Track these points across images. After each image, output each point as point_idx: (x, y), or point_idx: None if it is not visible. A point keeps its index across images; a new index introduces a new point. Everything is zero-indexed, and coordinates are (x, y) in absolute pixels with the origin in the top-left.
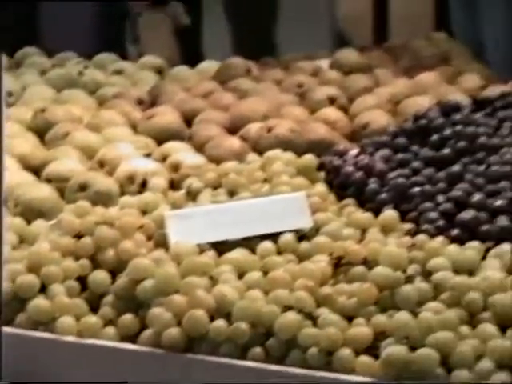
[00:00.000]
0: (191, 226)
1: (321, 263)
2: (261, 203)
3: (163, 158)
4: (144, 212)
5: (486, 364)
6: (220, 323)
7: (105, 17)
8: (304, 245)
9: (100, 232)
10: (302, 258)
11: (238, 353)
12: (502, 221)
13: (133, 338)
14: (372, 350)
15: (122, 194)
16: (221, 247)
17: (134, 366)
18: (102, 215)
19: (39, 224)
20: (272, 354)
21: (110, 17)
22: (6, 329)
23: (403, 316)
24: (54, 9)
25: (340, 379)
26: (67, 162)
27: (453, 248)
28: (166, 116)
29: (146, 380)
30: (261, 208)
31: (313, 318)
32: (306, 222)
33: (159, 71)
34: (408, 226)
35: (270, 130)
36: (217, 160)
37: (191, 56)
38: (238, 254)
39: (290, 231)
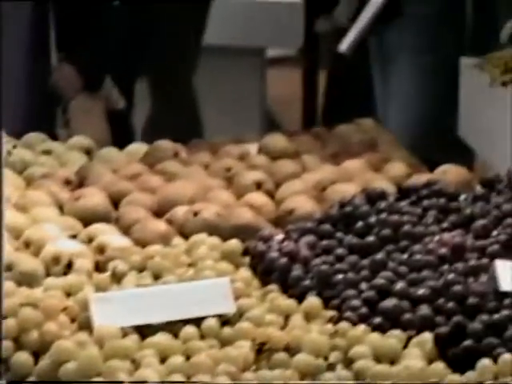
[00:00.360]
0: (115, 309)
1: (243, 349)
2: (185, 288)
3: (89, 240)
4: (68, 294)
5: None
6: None
7: (36, 99)
8: (227, 330)
9: (24, 313)
10: (224, 343)
11: None
12: (424, 310)
13: None
14: None
15: (48, 274)
16: (144, 331)
17: None
18: (26, 296)
19: None
20: None
21: (42, 99)
22: None
23: None
24: None
25: None
26: None
27: (375, 336)
28: (93, 198)
29: None
30: (185, 292)
31: None
32: (229, 308)
33: (88, 152)
34: (331, 313)
35: (196, 213)
36: (143, 243)
37: (121, 138)
38: (161, 337)
39: (214, 316)
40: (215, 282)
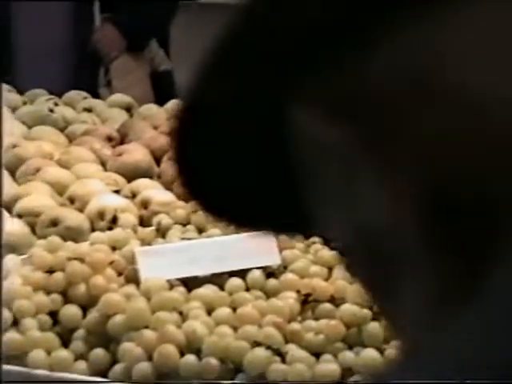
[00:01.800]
0: (161, 262)
1: (289, 300)
2: (230, 240)
3: (133, 195)
4: (114, 248)
5: None
6: (190, 358)
7: (79, 58)
8: (272, 282)
9: (72, 267)
10: (269, 294)
11: None
12: None
13: (104, 373)
14: None
15: (93, 229)
16: (190, 283)
17: None
18: (73, 251)
19: (11, 258)
20: None
21: (85, 59)
22: None
23: (370, 353)
24: (26, 46)
25: None
26: (38, 198)
27: None
28: (136, 153)
29: None
30: (230, 245)
31: (281, 354)
32: (273, 260)
33: (128, 109)
34: None
35: None
36: (184, 197)
37: (164, 99)
38: (207, 290)
39: (258, 268)
40: (260, 234)
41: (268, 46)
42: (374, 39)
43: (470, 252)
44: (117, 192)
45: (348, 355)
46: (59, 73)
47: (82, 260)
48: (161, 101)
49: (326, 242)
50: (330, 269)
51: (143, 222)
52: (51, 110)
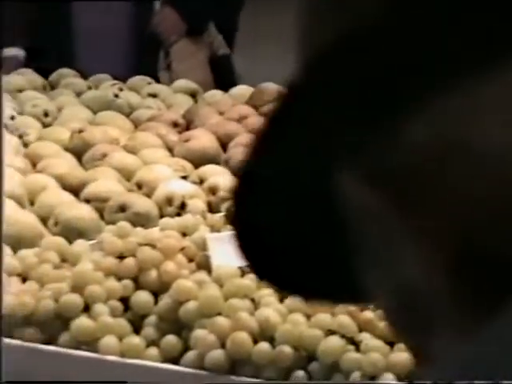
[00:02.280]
0: (232, 249)
1: None
2: None
3: (200, 181)
4: (184, 234)
5: None
6: (263, 346)
7: (139, 42)
8: None
9: (143, 253)
10: None
11: (280, 376)
12: None
13: (175, 360)
14: (414, 375)
15: (161, 215)
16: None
17: None
18: (144, 236)
19: (80, 243)
20: (315, 378)
21: (145, 43)
22: (48, 347)
23: None
24: (88, 31)
25: None
26: (106, 183)
27: None
28: (203, 139)
29: None
30: None
31: (355, 343)
32: None
33: (193, 95)
34: None
35: None
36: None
37: (222, 83)
38: None
39: None
40: None
41: (320, 121)
42: (412, 113)
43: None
44: (184, 178)
45: None
46: (119, 57)
47: (153, 246)
48: (219, 85)
49: None
50: None
51: (211, 209)
52: (116, 96)
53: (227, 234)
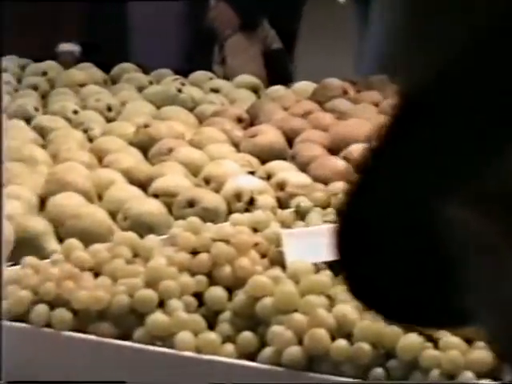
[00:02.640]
0: (306, 245)
1: None
2: None
3: (268, 176)
4: (255, 230)
5: None
6: (341, 343)
7: (194, 37)
8: None
9: (217, 249)
10: None
11: (358, 373)
12: None
13: (251, 356)
14: (493, 373)
15: (229, 211)
16: (334, 267)
17: (253, 383)
18: (216, 232)
19: (151, 238)
20: (393, 376)
21: (199, 37)
22: (123, 342)
23: None
24: (142, 26)
25: None
26: (174, 178)
27: None
28: (269, 135)
29: None
30: None
31: (434, 340)
32: None
33: (254, 90)
34: None
35: None
36: (321, 180)
37: (278, 77)
38: None
39: None
40: None
41: (431, 151)
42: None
43: None
44: (251, 173)
45: None
46: (175, 51)
47: (226, 241)
48: (273, 79)
49: None
50: None
51: (280, 204)
52: (179, 90)
53: (302, 229)
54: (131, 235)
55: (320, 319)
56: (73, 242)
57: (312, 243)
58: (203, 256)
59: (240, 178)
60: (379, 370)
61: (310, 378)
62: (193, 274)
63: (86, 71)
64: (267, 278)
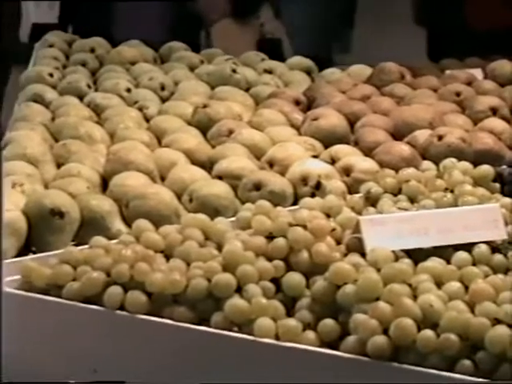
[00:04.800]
0: (384, 232)
1: None
2: (455, 213)
3: (332, 161)
4: (327, 215)
5: None
6: (428, 333)
7: (180, 19)
8: (498, 257)
9: (294, 234)
10: (495, 270)
11: (445, 365)
12: None
13: (332, 344)
14: None
15: (295, 194)
16: (414, 255)
17: (335, 372)
18: (293, 216)
19: (221, 221)
20: (481, 368)
21: (186, 20)
22: (200, 328)
23: None
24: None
25: None
26: (239, 160)
27: None
28: (332, 118)
29: None
30: (455, 217)
31: None
32: (498, 234)
33: (308, 72)
34: None
35: (440, 138)
36: (387, 165)
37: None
38: (435, 262)
39: (483, 242)
40: (485, 207)
41: None
42: None
43: None
44: (315, 157)
45: None
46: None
47: (303, 226)
48: None
49: None
50: None
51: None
52: (234, 71)
53: (381, 216)
54: (202, 217)
55: (406, 308)
56: (143, 222)
57: (390, 230)
58: (280, 241)
59: (307, 162)
60: (467, 362)
61: (395, 369)
62: (269, 258)
63: (137, 48)
64: (348, 265)
